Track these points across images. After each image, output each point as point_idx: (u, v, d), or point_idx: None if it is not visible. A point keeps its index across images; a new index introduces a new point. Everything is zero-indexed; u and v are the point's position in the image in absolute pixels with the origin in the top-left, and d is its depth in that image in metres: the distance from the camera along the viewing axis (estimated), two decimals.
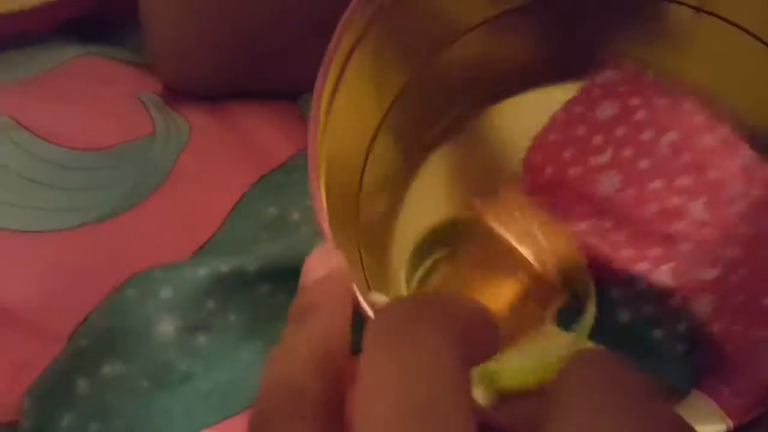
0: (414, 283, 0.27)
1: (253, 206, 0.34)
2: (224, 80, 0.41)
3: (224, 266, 0.29)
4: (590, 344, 0.25)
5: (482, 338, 0.16)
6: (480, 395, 0.24)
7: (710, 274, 0.25)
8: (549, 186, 0.28)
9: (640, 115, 0.28)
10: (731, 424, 0.25)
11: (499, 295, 0.22)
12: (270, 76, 0.41)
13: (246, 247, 0.31)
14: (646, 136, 0.28)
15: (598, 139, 0.28)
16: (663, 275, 0.25)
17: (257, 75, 0.41)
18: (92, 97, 0.40)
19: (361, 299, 0.22)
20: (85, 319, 0.29)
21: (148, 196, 0.35)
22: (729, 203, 0.26)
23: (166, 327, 0.28)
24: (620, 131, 0.28)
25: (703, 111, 0.28)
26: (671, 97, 0.28)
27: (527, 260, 0.22)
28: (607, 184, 0.27)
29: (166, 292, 0.29)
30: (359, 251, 0.28)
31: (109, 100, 0.40)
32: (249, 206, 0.34)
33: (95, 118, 0.39)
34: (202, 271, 0.29)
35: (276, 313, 0.29)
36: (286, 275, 0.30)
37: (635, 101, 0.28)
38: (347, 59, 0.27)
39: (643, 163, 0.27)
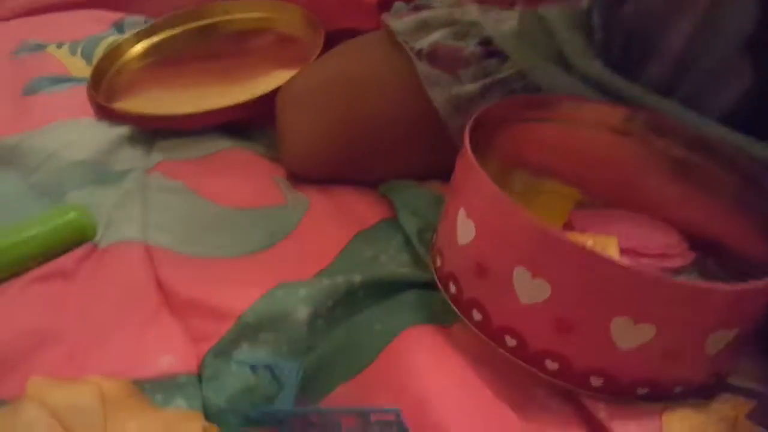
0: None
1: (354, 250, 0.50)
2: (330, 173, 0.58)
3: (340, 278, 0.45)
4: None
5: None
6: None
7: None
8: None
9: None
10: None
11: None
12: (361, 173, 0.58)
13: (351, 272, 0.47)
14: None
15: None
16: None
17: (353, 171, 0.58)
18: (239, 174, 0.58)
19: None
20: (249, 307, 0.44)
21: (282, 240, 0.51)
22: None
23: (302, 313, 0.43)
24: None
25: None
26: None
27: None
28: None
29: (301, 292, 0.44)
30: None
31: (251, 178, 0.57)
32: (351, 250, 0.50)
33: (243, 187, 0.56)
34: (325, 281, 0.45)
35: (368, 309, 0.44)
36: (377, 287, 0.46)
37: None
38: None
39: None
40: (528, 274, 0.37)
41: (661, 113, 0.48)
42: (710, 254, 0.48)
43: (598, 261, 0.35)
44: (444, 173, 0.46)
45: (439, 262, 0.45)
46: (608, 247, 0.39)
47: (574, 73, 0.55)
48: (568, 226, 0.49)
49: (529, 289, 0.37)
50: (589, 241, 0.39)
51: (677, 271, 0.47)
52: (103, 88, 0.70)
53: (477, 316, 0.41)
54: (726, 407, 0.37)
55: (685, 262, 0.47)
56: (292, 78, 0.60)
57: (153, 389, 0.40)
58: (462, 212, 0.41)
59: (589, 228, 0.48)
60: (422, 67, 0.55)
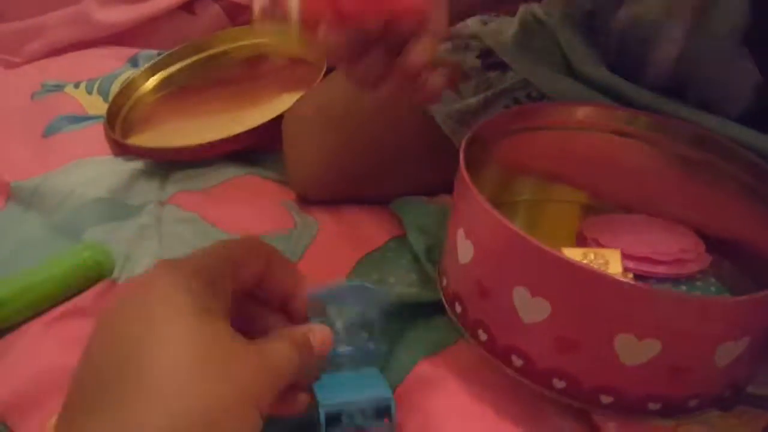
0: None
1: (361, 273, 0.50)
2: (339, 193, 0.59)
3: None
4: None
5: None
6: None
7: None
8: None
9: None
10: None
11: None
12: (371, 191, 0.58)
13: None
14: None
15: None
16: None
17: (362, 190, 0.58)
18: (250, 202, 0.58)
19: None
20: None
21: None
22: None
23: None
24: None
25: None
26: None
27: None
28: None
29: None
30: None
31: (262, 204, 0.58)
32: (359, 272, 0.50)
33: (253, 215, 0.57)
34: None
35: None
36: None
37: None
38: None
39: None
40: (527, 293, 0.36)
41: (663, 114, 0.47)
42: (728, 256, 0.47)
43: (596, 278, 0.34)
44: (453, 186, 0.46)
45: (444, 282, 0.45)
46: (610, 260, 0.38)
47: (579, 77, 0.55)
48: (580, 235, 0.49)
49: (530, 308, 0.36)
50: (590, 254, 0.38)
51: (693, 276, 0.45)
52: (119, 124, 0.72)
53: (483, 336, 0.40)
54: (740, 422, 0.35)
55: (702, 266, 0.46)
56: (297, 101, 0.61)
57: None
58: (461, 232, 0.41)
59: (601, 237, 0.47)
60: None
